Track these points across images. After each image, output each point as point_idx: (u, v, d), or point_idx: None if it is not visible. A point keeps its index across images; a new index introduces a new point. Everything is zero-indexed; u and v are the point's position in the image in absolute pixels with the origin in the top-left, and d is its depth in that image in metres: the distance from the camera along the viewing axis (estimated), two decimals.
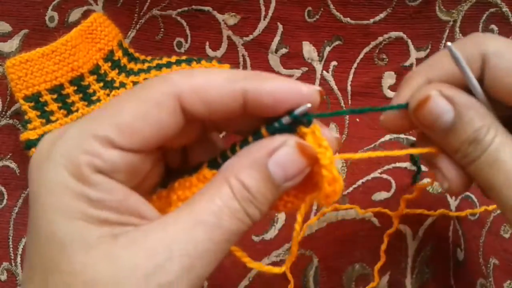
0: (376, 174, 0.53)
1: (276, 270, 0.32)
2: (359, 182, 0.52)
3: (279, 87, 0.28)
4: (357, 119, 0.56)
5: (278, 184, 0.28)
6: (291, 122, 0.29)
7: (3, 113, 0.57)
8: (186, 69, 0.56)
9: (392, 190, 0.51)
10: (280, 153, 0.28)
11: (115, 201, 0.26)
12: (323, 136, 0.29)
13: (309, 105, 0.28)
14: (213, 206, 0.27)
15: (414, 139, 0.54)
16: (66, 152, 0.26)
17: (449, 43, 0.32)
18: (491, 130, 0.32)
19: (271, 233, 0.50)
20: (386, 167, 0.53)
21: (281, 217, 0.51)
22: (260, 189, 0.28)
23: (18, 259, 0.52)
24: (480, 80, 0.33)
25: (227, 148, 0.31)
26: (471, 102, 0.32)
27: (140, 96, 0.27)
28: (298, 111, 0.28)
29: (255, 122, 0.30)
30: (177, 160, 0.33)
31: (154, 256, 0.25)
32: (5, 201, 0.55)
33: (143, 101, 0.27)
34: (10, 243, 0.53)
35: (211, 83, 0.28)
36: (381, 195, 0.51)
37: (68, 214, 0.25)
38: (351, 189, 0.52)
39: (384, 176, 0.52)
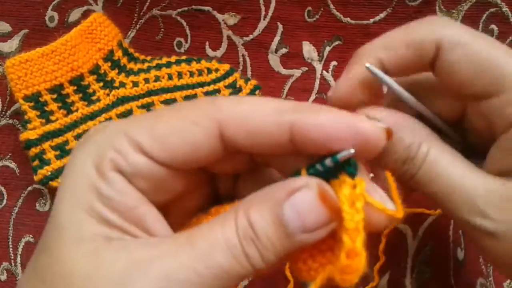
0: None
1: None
2: None
3: (331, 121, 0.25)
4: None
5: (291, 233, 0.24)
6: (334, 167, 0.25)
7: (3, 113, 0.57)
8: (186, 68, 0.56)
9: None
10: (298, 196, 0.24)
11: (123, 204, 0.26)
12: (364, 195, 0.24)
13: (352, 150, 0.24)
14: (211, 236, 0.24)
15: None
16: (98, 143, 0.26)
17: (367, 64, 0.31)
18: (423, 145, 0.31)
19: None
20: None
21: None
22: (267, 231, 0.24)
23: (18, 259, 0.52)
24: (431, 65, 0.33)
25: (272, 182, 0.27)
26: (400, 121, 0.32)
27: (181, 112, 0.27)
28: (341, 154, 0.24)
29: (303, 163, 0.27)
30: (228, 188, 0.32)
31: (133, 268, 0.24)
32: (5, 201, 0.55)
33: (182, 118, 0.26)
34: (10, 243, 0.53)
35: (257, 112, 0.26)
36: None
37: (76, 201, 0.25)
38: None
39: None
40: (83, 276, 0.24)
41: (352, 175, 0.24)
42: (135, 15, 0.58)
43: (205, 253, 0.24)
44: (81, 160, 0.26)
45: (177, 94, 0.54)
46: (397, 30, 0.33)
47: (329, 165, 0.24)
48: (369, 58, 0.33)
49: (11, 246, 0.53)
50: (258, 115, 0.26)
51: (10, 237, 0.53)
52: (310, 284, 0.25)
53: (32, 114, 0.53)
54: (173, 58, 0.57)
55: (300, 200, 0.24)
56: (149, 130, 0.26)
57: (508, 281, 0.49)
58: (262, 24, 0.57)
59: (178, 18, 0.58)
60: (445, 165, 0.31)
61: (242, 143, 0.26)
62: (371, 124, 0.25)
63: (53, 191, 0.54)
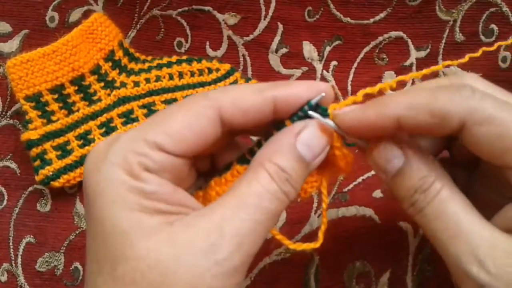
0: None
1: (312, 245, 0.34)
2: (360, 179, 0.52)
3: (302, 88, 0.32)
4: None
5: (308, 162, 0.32)
6: (309, 112, 0.32)
7: (3, 113, 0.57)
8: (187, 68, 0.56)
9: None
10: (305, 134, 0.32)
11: (166, 193, 0.29)
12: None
13: (323, 94, 0.32)
14: (254, 189, 0.30)
15: None
16: (121, 153, 0.30)
17: (310, 112, 0.32)
18: (437, 182, 0.32)
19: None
20: None
21: (282, 216, 0.51)
22: (294, 168, 0.31)
23: (19, 260, 0.52)
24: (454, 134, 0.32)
25: (253, 145, 0.34)
26: (422, 153, 0.33)
27: (186, 109, 0.31)
28: (314, 100, 0.32)
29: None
30: (206, 165, 0.36)
31: (208, 236, 0.28)
32: (5, 202, 0.54)
33: (188, 113, 0.30)
34: (11, 243, 0.53)
35: (245, 94, 0.32)
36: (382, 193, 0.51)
37: (127, 206, 0.28)
38: (351, 186, 0.52)
39: None
40: (172, 258, 0.27)
41: (325, 112, 0.33)
42: (136, 15, 0.58)
43: (256, 204, 0.29)
44: (110, 172, 0.29)
45: (178, 94, 0.55)
46: (424, 89, 0.32)
47: (307, 109, 0.32)
48: (388, 111, 0.32)
49: (11, 247, 0.52)
50: (246, 97, 0.31)
51: (11, 238, 0.53)
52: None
53: (33, 114, 0.52)
54: (174, 58, 0.57)
55: (306, 136, 0.32)
56: (163, 130, 0.30)
57: None
58: (263, 24, 0.57)
59: (179, 18, 0.58)
60: (455, 207, 0.31)
61: (238, 122, 0.31)
62: (325, 84, 0.33)
63: (54, 191, 0.54)
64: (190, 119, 0.30)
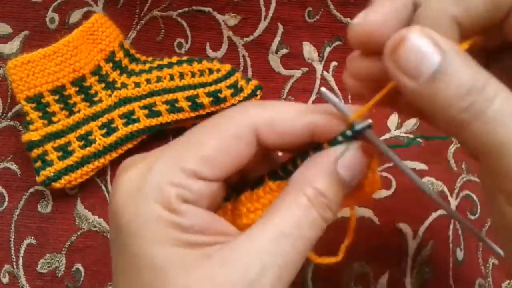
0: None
1: (334, 259, 0.33)
2: None
3: (336, 120, 0.31)
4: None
5: (348, 184, 0.30)
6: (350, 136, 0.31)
7: (4, 114, 0.57)
8: (188, 69, 0.56)
9: (392, 189, 0.52)
10: (347, 157, 0.30)
11: (203, 225, 0.29)
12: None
13: (370, 120, 0.30)
14: (294, 217, 0.29)
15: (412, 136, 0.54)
16: (157, 186, 0.28)
17: (322, 89, 0.30)
18: (491, 80, 0.26)
19: None
20: (387, 165, 0.53)
21: None
22: (334, 192, 0.30)
23: (20, 261, 0.52)
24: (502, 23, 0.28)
25: (286, 161, 0.33)
26: (459, 49, 0.26)
27: (221, 129, 0.30)
28: (359, 126, 0.30)
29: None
30: (236, 177, 0.34)
31: (248, 271, 0.27)
32: (6, 203, 0.54)
33: (224, 135, 0.29)
34: (12, 245, 0.53)
35: (284, 116, 0.30)
36: (381, 193, 0.51)
37: (165, 242, 0.28)
38: None
39: (384, 174, 0.53)
40: None
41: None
42: (136, 16, 0.58)
43: (297, 235, 0.28)
44: (146, 207, 0.28)
45: (179, 95, 0.55)
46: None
47: (349, 134, 0.30)
48: (440, 16, 0.27)
49: (12, 248, 0.53)
50: (285, 119, 0.30)
51: (12, 239, 0.53)
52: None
53: (34, 115, 0.53)
54: (174, 59, 0.57)
55: (348, 159, 0.30)
56: (198, 155, 0.29)
57: (507, 281, 0.49)
58: (263, 25, 0.58)
59: (179, 19, 0.58)
60: None
61: (274, 143, 0.30)
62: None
63: (55, 193, 0.54)
64: (227, 142, 0.29)
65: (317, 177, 0.30)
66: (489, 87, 0.25)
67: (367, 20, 0.29)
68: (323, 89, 0.30)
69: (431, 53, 0.26)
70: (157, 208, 0.28)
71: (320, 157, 0.31)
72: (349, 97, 0.58)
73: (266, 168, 0.33)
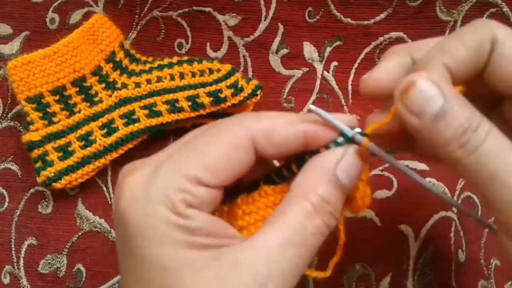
0: (377, 171, 0.53)
1: (322, 274, 0.34)
2: None
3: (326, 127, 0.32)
4: (358, 117, 0.56)
5: (346, 188, 0.32)
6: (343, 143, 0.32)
7: (4, 115, 0.57)
8: (188, 69, 0.56)
9: (394, 189, 0.52)
10: (345, 161, 0.31)
11: (209, 228, 0.30)
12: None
13: (358, 129, 0.32)
14: (300, 226, 0.30)
15: None
16: (162, 191, 0.29)
17: (311, 106, 0.32)
18: (484, 119, 0.30)
19: None
20: (387, 165, 0.53)
21: None
22: (336, 198, 0.31)
23: (21, 262, 0.52)
24: (482, 70, 0.32)
25: (281, 166, 0.34)
26: (458, 94, 0.31)
27: (221, 139, 0.31)
28: (353, 132, 0.32)
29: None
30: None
31: (257, 275, 0.28)
32: (6, 204, 0.55)
33: (225, 144, 0.31)
34: (12, 246, 0.53)
35: (277, 126, 0.32)
36: (383, 193, 0.51)
37: (174, 243, 0.29)
38: None
39: (386, 174, 0.53)
40: None
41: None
42: (136, 16, 0.58)
43: (302, 243, 0.29)
44: (153, 210, 0.29)
45: (179, 95, 0.55)
46: (447, 36, 0.33)
47: (341, 142, 0.32)
48: (434, 65, 0.32)
49: (13, 249, 0.53)
50: (279, 129, 0.32)
51: (13, 240, 0.53)
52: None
53: (34, 115, 0.53)
54: (174, 59, 0.57)
55: (346, 162, 0.31)
56: (201, 162, 0.30)
57: (509, 283, 0.49)
58: (263, 25, 0.57)
59: (179, 19, 0.58)
60: (510, 144, 0.30)
61: (269, 152, 0.32)
62: (350, 116, 0.33)
63: (55, 193, 0.54)
64: (227, 151, 0.31)
65: (320, 183, 0.31)
66: (482, 127, 0.30)
67: (374, 76, 0.35)
68: (311, 106, 0.32)
69: (435, 96, 0.30)
70: (165, 211, 0.29)
71: (319, 162, 0.32)
72: (349, 97, 0.58)
73: (260, 172, 0.35)
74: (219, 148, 0.31)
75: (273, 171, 0.34)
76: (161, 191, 0.29)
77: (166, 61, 0.57)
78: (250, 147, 0.31)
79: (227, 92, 0.55)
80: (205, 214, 0.30)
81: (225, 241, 0.30)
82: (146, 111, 0.54)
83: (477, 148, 0.29)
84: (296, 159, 0.33)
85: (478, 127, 0.30)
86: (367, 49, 0.58)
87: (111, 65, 0.55)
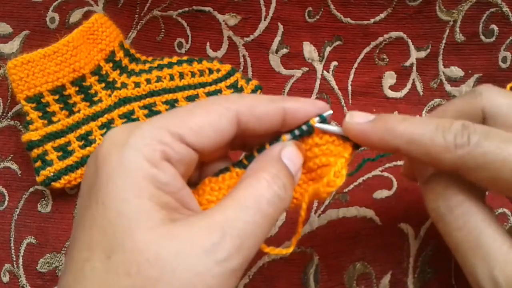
0: (377, 172, 0.53)
1: (284, 251, 0.35)
2: (360, 180, 0.52)
3: (309, 104, 0.36)
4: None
5: (293, 174, 0.34)
6: (304, 131, 0.36)
7: (4, 114, 0.57)
8: (188, 69, 0.56)
9: (394, 189, 0.52)
10: (286, 151, 0.35)
11: (176, 187, 0.30)
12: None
13: (331, 111, 0.36)
14: (253, 193, 0.31)
15: None
16: (143, 140, 0.30)
17: (317, 125, 0.35)
18: (460, 193, 0.34)
19: (271, 231, 0.50)
20: (387, 165, 0.53)
21: (282, 215, 0.51)
22: (286, 176, 0.33)
23: (20, 260, 0.52)
24: None
25: (251, 152, 0.36)
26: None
27: (208, 108, 0.33)
28: (326, 114, 0.36)
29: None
30: (195, 175, 0.37)
31: (210, 235, 0.28)
32: (6, 203, 0.54)
33: (211, 112, 0.32)
34: (12, 244, 0.53)
35: (259, 102, 0.34)
36: (382, 193, 0.51)
37: (139, 193, 0.29)
38: (352, 186, 0.52)
39: (385, 174, 0.53)
40: (172, 255, 0.27)
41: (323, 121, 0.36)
42: (136, 16, 0.58)
43: (256, 208, 0.30)
44: (131, 157, 0.29)
45: (179, 95, 0.55)
46: (426, 124, 0.34)
47: (305, 129, 0.35)
48: (390, 140, 0.34)
49: (13, 247, 0.53)
50: (261, 105, 0.34)
51: (12, 239, 0.53)
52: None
53: (34, 115, 0.53)
54: (174, 59, 0.57)
55: (288, 153, 0.34)
56: (187, 124, 0.31)
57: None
58: (263, 25, 0.57)
59: (179, 18, 0.58)
60: (477, 219, 0.33)
61: (251, 126, 0.34)
62: (323, 103, 0.36)
63: (55, 192, 0.54)
64: (212, 117, 0.32)
65: (270, 164, 0.33)
66: (456, 197, 0.34)
67: (353, 126, 0.36)
68: (317, 124, 0.35)
69: None
70: (140, 159, 0.29)
71: (270, 150, 0.35)
72: (349, 97, 0.58)
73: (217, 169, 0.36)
74: (204, 114, 0.32)
75: (244, 157, 0.36)
76: (141, 140, 0.30)
77: (165, 60, 0.57)
78: (233, 120, 0.33)
79: (227, 92, 0.55)
80: (177, 173, 0.31)
81: (185, 211, 0.31)
82: (146, 111, 0.54)
83: (443, 217, 0.34)
84: (260, 148, 0.36)
85: (451, 198, 0.34)
86: (367, 49, 0.58)
87: (111, 64, 0.55)
